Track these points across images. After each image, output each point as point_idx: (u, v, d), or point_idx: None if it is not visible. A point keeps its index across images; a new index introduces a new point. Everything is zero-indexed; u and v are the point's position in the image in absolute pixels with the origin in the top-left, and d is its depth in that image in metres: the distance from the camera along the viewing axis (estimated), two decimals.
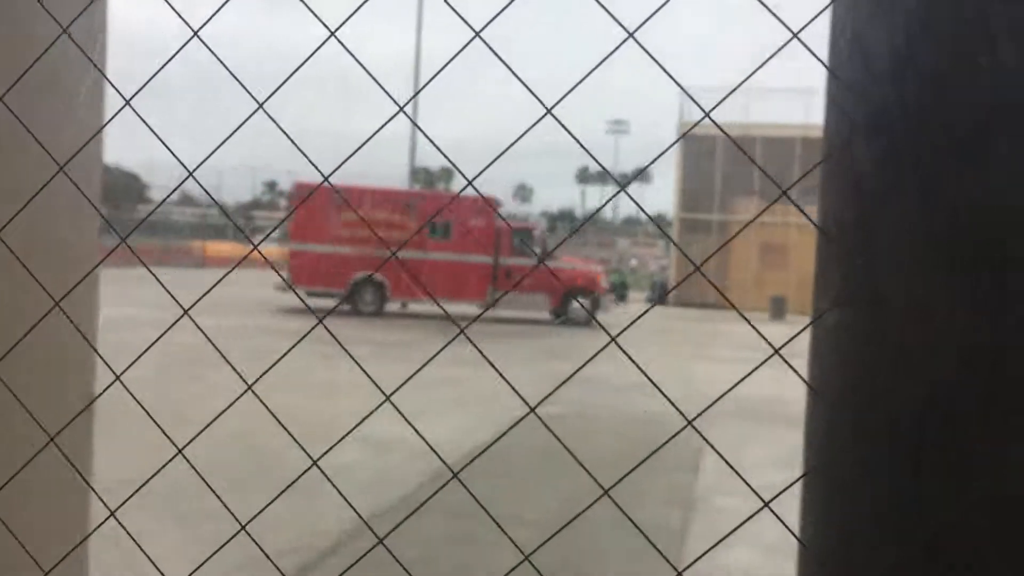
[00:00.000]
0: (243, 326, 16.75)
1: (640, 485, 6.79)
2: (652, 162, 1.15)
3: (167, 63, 1.19)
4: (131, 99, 1.21)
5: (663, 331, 22.02)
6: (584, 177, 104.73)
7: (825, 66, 0.93)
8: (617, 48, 1.00)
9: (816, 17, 0.95)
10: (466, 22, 1.04)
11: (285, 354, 1.26)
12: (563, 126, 1.03)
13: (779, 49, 1.04)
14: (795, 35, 0.96)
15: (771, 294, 30.22)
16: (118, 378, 1.20)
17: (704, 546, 5.60)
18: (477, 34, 1.02)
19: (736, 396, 11.84)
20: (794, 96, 32.37)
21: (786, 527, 0.90)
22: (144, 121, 1.24)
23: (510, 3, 1.04)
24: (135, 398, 1.37)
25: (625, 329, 1.06)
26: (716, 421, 10.10)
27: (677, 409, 1.03)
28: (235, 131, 1.17)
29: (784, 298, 29.52)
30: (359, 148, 1.12)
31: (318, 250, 22.87)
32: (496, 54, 1.08)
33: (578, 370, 1.11)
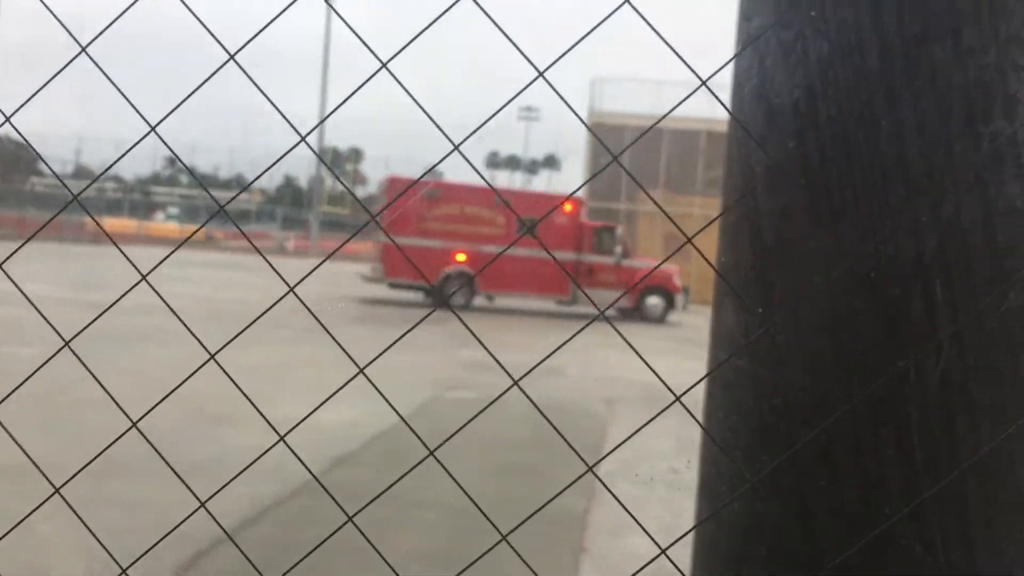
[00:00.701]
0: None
1: (547, 472, 6.86)
2: None
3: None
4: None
5: (575, 319, 22.24)
6: (494, 162, 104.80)
7: (731, 113, 0.90)
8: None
9: (724, 66, 0.93)
10: None
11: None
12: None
13: (685, 98, 1.04)
14: (704, 83, 0.93)
15: None
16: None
17: (605, 533, 5.71)
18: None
19: (643, 383, 11.92)
20: (700, 90, 32.99)
21: (680, 572, 0.91)
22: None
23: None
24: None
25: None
26: (622, 409, 10.28)
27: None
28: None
29: (686, 288, 30.15)
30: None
31: (409, 243, 22.73)
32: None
33: None
